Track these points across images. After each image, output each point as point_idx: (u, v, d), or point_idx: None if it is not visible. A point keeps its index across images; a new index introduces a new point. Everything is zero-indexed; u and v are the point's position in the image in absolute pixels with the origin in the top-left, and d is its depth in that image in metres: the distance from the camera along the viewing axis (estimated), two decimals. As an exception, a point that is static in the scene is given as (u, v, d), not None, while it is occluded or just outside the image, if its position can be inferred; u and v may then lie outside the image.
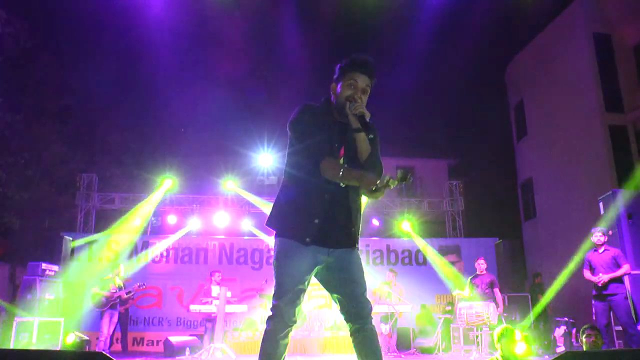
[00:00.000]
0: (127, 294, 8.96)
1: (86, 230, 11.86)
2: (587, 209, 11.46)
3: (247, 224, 12.33)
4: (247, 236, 12.07)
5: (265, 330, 2.36)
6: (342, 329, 9.28)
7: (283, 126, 2.51)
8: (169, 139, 18.19)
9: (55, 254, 9.60)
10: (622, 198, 7.33)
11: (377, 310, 8.59)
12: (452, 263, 11.80)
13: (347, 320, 2.44)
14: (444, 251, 11.95)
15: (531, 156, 16.52)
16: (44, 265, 8.47)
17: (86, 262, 10.90)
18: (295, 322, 2.38)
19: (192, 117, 18.99)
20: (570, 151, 14.11)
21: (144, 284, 9.11)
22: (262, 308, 9.75)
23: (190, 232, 11.96)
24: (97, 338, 8.48)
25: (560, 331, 9.19)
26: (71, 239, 10.39)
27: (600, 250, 6.45)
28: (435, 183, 17.78)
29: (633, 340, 5.93)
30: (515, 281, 10.78)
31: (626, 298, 6.19)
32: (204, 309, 8.16)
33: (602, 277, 6.20)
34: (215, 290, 8.67)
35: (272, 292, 2.42)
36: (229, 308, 8.41)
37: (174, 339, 8.75)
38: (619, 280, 6.22)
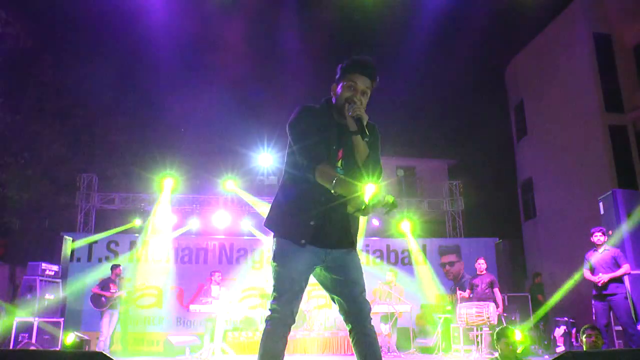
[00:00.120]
0: (126, 294, 8.98)
1: (86, 230, 11.86)
2: (587, 209, 11.46)
3: (247, 224, 12.33)
4: (247, 236, 12.07)
5: (264, 330, 2.37)
6: (342, 329, 9.28)
7: (283, 126, 2.50)
8: (169, 139, 18.17)
9: (55, 254, 9.60)
10: (622, 198, 7.34)
11: (377, 310, 8.60)
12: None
13: (346, 320, 2.44)
14: (444, 251, 11.95)
15: (531, 156, 16.52)
16: (44, 265, 8.47)
17: (86, 262, 10.91)
18: (294, 321, 2.39)
19: (193, 117, 18.97)
20: (570, 151, 14.11)
21: (144, 284, 9.13)
22: (262, 308, 9.76)
23: (190, 232, 11.96)
24: (97, 338, 8.50)
25: (560, 331, 9.19)
26: (71, 239, 10.38)
27: (600, 250, 6.45)
28: (435, 183, 17.76)
29: (633, 340, 5.93)
30: (515, 281, 10.79)
31: (626, 298, 6.19)
32: (204, 309, 8.17)
33: (602, 277, 6.20)
34: (215, 290, 8.68)
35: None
36: (229, 308, 8.43)
37: (174, 338, 8.75)
38: (619, 280, 6.22)
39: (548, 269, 13.14)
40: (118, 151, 17.10)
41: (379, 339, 2.53)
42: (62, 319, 8.39)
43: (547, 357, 8.35)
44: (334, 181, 2.26)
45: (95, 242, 11.11)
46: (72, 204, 12.76)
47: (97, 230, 11.95)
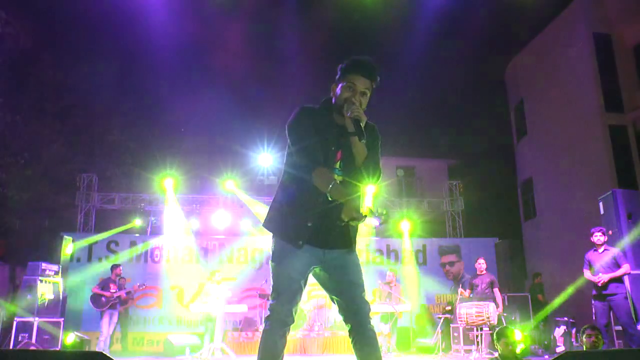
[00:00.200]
0: (126, 294, 8.98)
1: (86, 230, 11.86)
2: (587, 209, 11.45)
3: (247, 224, 12.32)
4: (247, 236, 12.07)
5: (263, 330, 2.38)
6: (342, 329, 9.27)
7: (283, 126, 2.50)
8: (169, 139, 18.17)
9: (55, 254, 9.59)
10: (622, 198, 7.34)
11: (377, 310, 8.60)
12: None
13: (346, 321, 2.45)
14: (444, 251, 11.95)
15: (531, 156, 16.52)
16: (44, 265, 8.46)
17: (86, 262, 10.91)
18: (292, 321, 2.39)
19: (192, 116, 18.96)
20: (570, 151, 14.11)
21: (144, 284, 9.13)
22: (262, 308, 9.76)
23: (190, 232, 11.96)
24: (97, 338, 8.50)
25: (560, 331, 9.19)
26: (71, 238, 10.39)
27: (600, 250, 6.45)
28: (435, 183, 17.76)
29: (633, 340, 5.93)
30: (515, 281, 10.79)
31: (626, 298, 6.20)
32: (204, 309, 8.17)
33: (602, 277, 6.20)
34: (215, 290, 8.68)
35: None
36: (229, 308, 8.43)
37: (174, 338, 8.75)
38: (619, 280, 6.23)
39: (548, 269, 13.12)
40: (118, 151, 17.09)
41: (379, 339, 2.53)
42: (62, 319, 8.38)
43: (547, 357, 8.35)
44: (331, 186, 2.26)
45: (95, 242, 11.12)
46: (72, 204, 12.76)
47: (97, 230, 11.95)
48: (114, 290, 8.64)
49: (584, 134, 13.67)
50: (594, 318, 6.35)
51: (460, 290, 8.54)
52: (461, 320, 7.56)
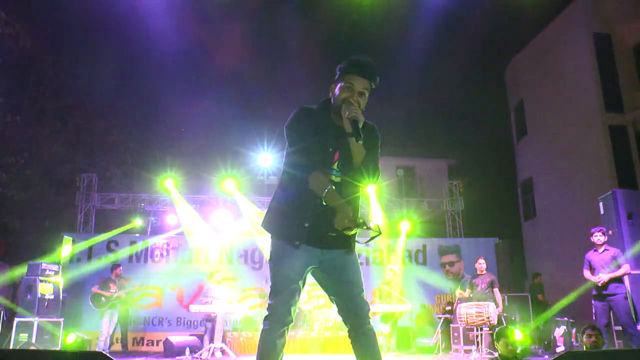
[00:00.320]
0: (126, 294, 8.98)
1: (86, 230, 11.86)
2: (587, 209, 11.46)
3: (247, 224, 12.31)
4: (247, 236, 12.07)
5: (262, 330, 2.38)
6: (342, 329, 9.27)
7: (283, 126, 2.50)
8: (169, 139, 18.18)
9: (55, 254, 9.60)
10: (622, 198, 7.34)
11: (377, 310, 8.59)
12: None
13: (345, 321, 2.45)
14: (444, 251, 11.94)
15: (531, 156, 16.52)
16: (44, 265, 8.47)
17: (86, 262, 10.90)
18: (291, 321, 2.39)
19: (192, 116, 18.96)
20: (570, 151, 14.11)
21: (144, 284, 9.13)
22: (262, 308, 9.76)
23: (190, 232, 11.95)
24: (97, 338, 8.50)
25: (560, 331, 9.19)
26: (71, 238, 10.38)
27: (600, 250, 6.45)
28: (435, 183, 17.76)
29: (633, 340, 5.93)
30: (515, 281, 10.80)
31: (626, 298, 6.20)
32: (204, 309, 8.17)
33: (602, 277, 6.20)
34: (215, 290, 8.68)
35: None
36: (229, 308, 8.42)
37: (174, 339, 8.75)
38: (619, 280, 6.23)
39: (548, 269, 13.12)
40: (118, 151, 17.10)
41: (379, 339, 2.53)
42: (62, 319, 8.38)
43: (547, 357, 8.34)
44: (326, 191, 2.27)
45: (96, 242, 11.12)
46: (72, 204, 12.76)
47: (97, 230, 11.95)
48: (114, 290, 8.64)
49: (584, 134, 13.67)
50: (594, 318, 6.35)
51: (459, 291, 8.53)
52: (461, 320, 7.56)
